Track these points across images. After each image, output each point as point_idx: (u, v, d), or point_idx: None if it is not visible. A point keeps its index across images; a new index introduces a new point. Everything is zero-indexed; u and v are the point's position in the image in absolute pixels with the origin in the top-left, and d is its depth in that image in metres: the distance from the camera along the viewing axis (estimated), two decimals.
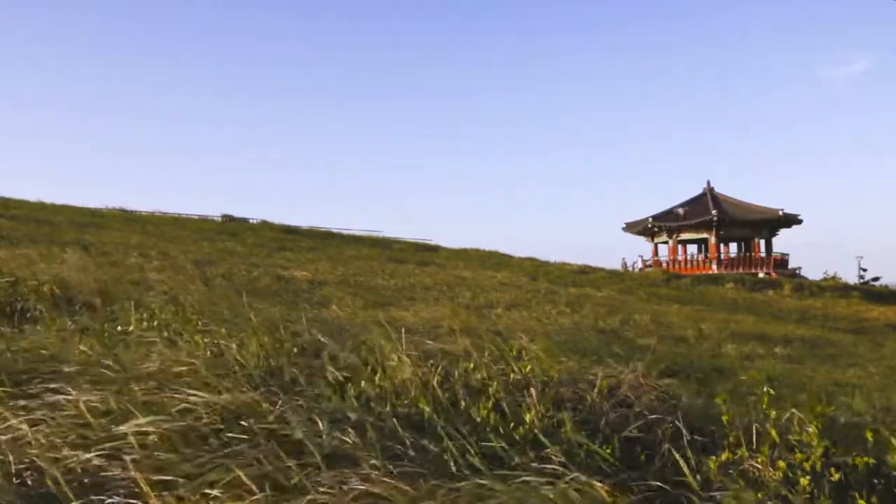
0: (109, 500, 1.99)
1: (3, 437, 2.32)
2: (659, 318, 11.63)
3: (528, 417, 2.99)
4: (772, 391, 2.95)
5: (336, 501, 2.00)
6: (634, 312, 12.00)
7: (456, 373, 3.44)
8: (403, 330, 3.95)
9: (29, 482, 2.12)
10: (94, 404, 2.63)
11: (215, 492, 1.98)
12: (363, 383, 3.31)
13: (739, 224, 44.99)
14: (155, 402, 2.80)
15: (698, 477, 2.60)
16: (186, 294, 5.88)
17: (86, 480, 2.04)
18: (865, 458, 2.55)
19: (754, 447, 2.73)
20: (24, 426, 2.37)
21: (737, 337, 9.92)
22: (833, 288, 31.63)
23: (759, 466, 2.58)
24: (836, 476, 2.47)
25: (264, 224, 29.41)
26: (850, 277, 41.06)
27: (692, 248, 49.22)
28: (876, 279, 42.16)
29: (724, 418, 2.93)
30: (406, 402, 3.14)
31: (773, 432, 2.75)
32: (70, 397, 2.73)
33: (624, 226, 49.68)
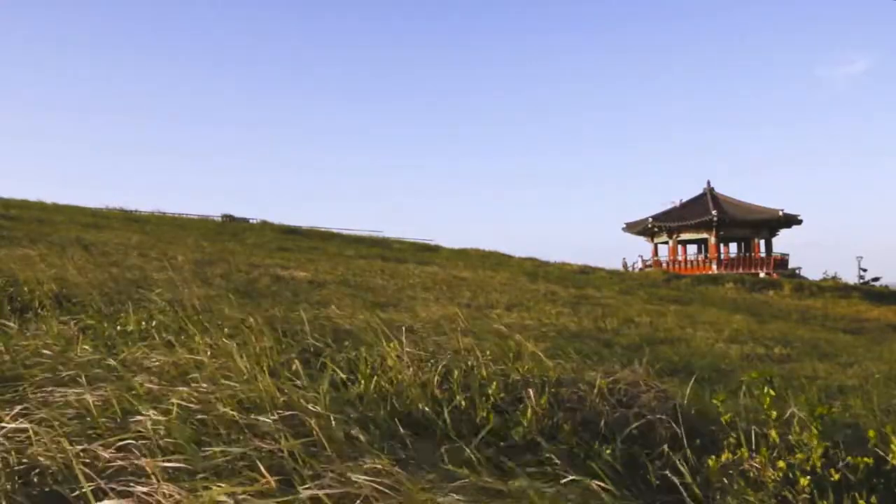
0: (119, 488, 1.99)
1: (4, 438, 2.32)
2: (659, 318, 11.63)
3: (526, 418, 3.00)
4: (772, 392, 2.95)
5: (346, 491, 2.02)
6: (634, 313, 12.00)
7: (455, 373, 3.44)
8: (403, 330, 3.96)
9: (33, 481, 2.12)
10: (97, 404, 2.63)
11: (223, 484, 1.99)
12: (363, 383, 3.32)
13: (739, 224, 45.03)
14: (158, 396, 2.81)
15: (698, 477, 2.61)
16: (186, 294, 5.88)
17: (92, 473, 2.04)
18: (865, 458, 2.55)
19: (754, 447, 2.74)
20: (26, 425, 2.37)
21: (737, 337, 9.91)
22: (833, 288, 31.71)
23: (759, 467, 2.59)
24: (836, 476, 2.48)
25: (264, 224, 29.45)
26: (850, 277, 41.19)
27: (692, 249, 49.32)
28: (876, 279, 42.24)
29: (724, 419, 2.94)
30: (406, 402, 3.15)
31: (774, 432, 2.76)
32: (71, 397, 2.73)
33: (624, 226, 49.75)
